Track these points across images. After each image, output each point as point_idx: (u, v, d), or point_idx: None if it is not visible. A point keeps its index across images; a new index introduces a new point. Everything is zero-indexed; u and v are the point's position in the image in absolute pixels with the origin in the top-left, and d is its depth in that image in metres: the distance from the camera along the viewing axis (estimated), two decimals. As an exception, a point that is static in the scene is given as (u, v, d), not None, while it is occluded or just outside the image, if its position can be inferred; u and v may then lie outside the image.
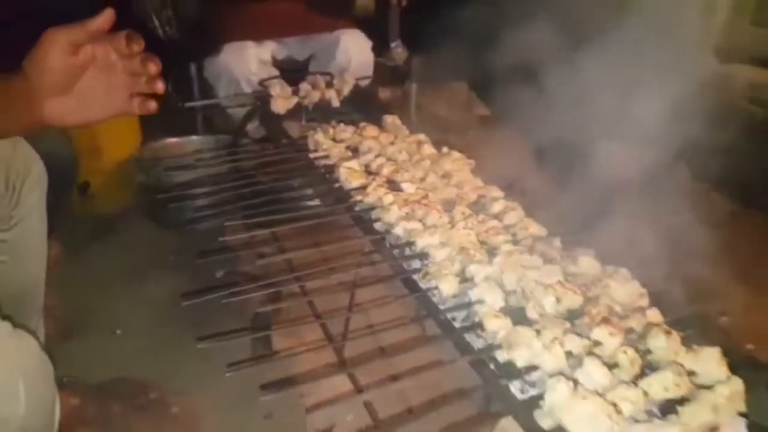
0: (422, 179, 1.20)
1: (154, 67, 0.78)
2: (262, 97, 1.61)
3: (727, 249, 2.09)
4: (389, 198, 1.09)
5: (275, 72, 1.84)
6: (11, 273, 0.93)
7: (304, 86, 1.64)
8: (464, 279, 0.89)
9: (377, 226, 1.05)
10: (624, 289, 0.85)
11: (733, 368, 0.74)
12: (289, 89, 1.61)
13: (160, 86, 0.80)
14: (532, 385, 0.71)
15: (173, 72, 1.95)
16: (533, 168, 1.74)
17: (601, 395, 0.66)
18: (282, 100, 1.57)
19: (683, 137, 2.45)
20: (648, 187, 2.37)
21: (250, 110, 1.68)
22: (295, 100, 1.60)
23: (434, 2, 1.87)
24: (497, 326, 0.78)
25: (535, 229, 1.03)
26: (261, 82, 1.67)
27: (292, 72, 1.89)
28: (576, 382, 0.68)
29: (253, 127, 1.88)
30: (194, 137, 1.92)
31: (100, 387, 1.18)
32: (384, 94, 2.35)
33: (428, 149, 1.34)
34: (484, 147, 2.05)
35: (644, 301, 0.85)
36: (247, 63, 1.78)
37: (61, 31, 0.72)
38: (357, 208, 1.11)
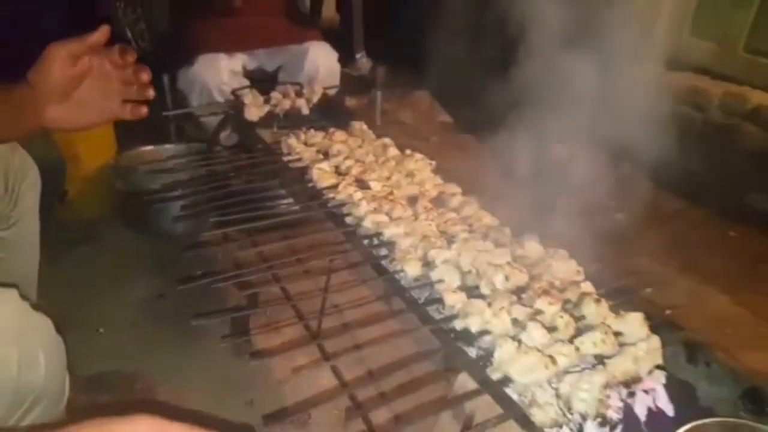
0: (388, 178, 1.31)
1: (145, 76, 0.88)
2: (234, 106, 1.70)
3: (671, 240, 2.28)
4: (358, 195, 1.20)
5: (246, 82, 1.93)
6: (8, 268, 1.00)
7: (275, 95, 1.74)
8: (426, 263, 1.01)
9: (348, 220, 1.16)
10: (563, 267, 0.98)
11: (654, 329, 0.87)
12: (260, 98, 1.71)
13: (150, 93, 0.90)
14: (485, 346, 0.83)
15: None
16: (490, 168, 1.88)
17: (540, 351, 0.78)
18: (255, 108, 1.67)
19: (632, 140, 2.63)
20: (598, 186, 2.54)
21: (224, 118, 1.77)
22: (267, 108, 1.70)
23: (397, 18, 1.99)
24: (454, 300, 0.90)
25: (489, 219, 1.15)
26: (233, 92, 1.76)
27: (263, 82, 1.99)
28: (520, 342, 0.80)
29: (225, 135, 1.96)
30: (169, 145, 1.99)
31: (88, 380, 1.25)
32: (351, 102, 2.46)
33: (393, 151, 1.46)
34: (445, 150, 2.20)
35: (580, 277, 0.98)
36: (219, 74, 1.87)
37: (63, 44, 0.82)
38: (329, 205, 1.22)
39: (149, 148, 2.00)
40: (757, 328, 1.77)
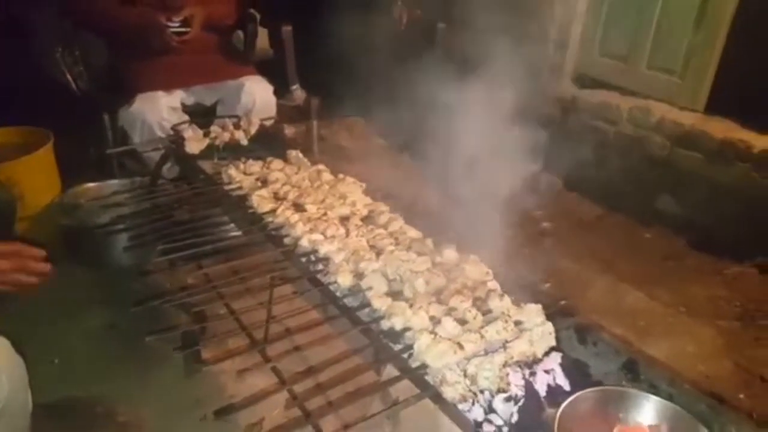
0: (322, 201, 1.43)
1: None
2: (175, 141, 1.79)
3: (592, 244, 2.48)
4: (295, 217, 1.31)
5: (186, 117, 2.02)
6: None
7: (215, 128, 1.83)
8: (357, 274, 1.13)
9: (286, 240, 1.27)
10: (474, 269, 1.11)
11: (549, 317, 1.01)
12: (200, 132, 1.81)
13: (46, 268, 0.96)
14: (407, 342, 0.95)
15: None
16: (422, 185, 2.02)
17: (451, 340, 0.91)
18: (195, 142, 1.76)
19: (552, 153, 2.86)
20: (522, 197, 2.73)
21: (165, 152, 1.85)
22: (207, 141, 1.79)
23: (328, 48, 2.13)
24: (381, 304, 1.02)
25: (413, 233, 1.29)
26: (174, 127, 1.85)
27: (202, 116, 2.09)
28: (436, 334, 0.93)
29: (167, 169, 2.03)
30: (112, 181, 2.05)
31: (49, 407, 1.30)
32: (289, 130, 2.58)
33: (327, 176, 1.58)
34: (381, 170, 2.33)
35: (489, 278, 1.12)
36: (159, 111, 1.95)
37: None
38: (269, 228, 1.33)
39: (93, 184, 2.05)
40: (666, 318, 1.96)
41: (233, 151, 1.83)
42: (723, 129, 2.38)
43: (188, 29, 1.99)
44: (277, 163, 1.64)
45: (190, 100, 2.12)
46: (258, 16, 2.29)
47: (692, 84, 2.50)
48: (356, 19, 2.12)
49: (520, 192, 2.65)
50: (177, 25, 1.98)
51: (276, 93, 2.21)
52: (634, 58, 2.67)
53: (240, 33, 2.38)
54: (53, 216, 1.92)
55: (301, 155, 1.71)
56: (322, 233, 1.26)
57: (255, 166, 1.63)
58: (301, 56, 2.18)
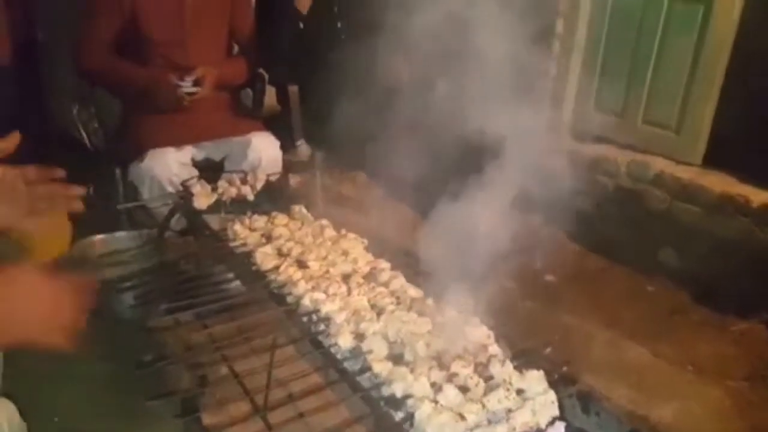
0: (325, 257, 1.46)
1: (75, 191, 0.98)
2: (184, 196, 1.83)
3: (595, 297, 2.48)
4: (298, 275, 1.34)
5: (195, 172, 2.08)
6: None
7: (222, 183, 1.88)
8: (358, 335, 1.14)
9: (289, 299, 1.29)
10: (475, 332, 1.13)
11: (551, 384, 1.02)
12: (208, 187, 1.85)
13: (79, 206, 1.00)
14: (409, 410, 0.96)
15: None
16: (424, 237, 2.05)
17: (452, 410, 0.92)
18: (203, 198, 1.81)
19: (555, 206, 2.88)
20: (529, 252, 2.76)
21: (173, 207, 1.89)
22: (214, 196, 1.84)
23: (332, 105, 2.19)
24: (382, 368, 1.03)
25: (414, 292, 1.31)
26: (183, 183, 1.89)
27: (210, 171, 2.14)
28: (437, 402, 0.94)
29: (174, 220, 2.08)
30: (121, 233, 2.08)
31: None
32: (294, 179, 2.63)
33: (329, 232, 1.61)
34: (384, 221, 2.37)
35: (491, 341, 1.13)
36: (168, 167, 2.00)
37: None
38: (272, 286, 1.35)
39: (102, 236, 2.08)
40: (672, 377, 1.94)
41: (239, 206, 1.87)
42: (721, 183, 2.42)
43: (199, 89, 2.07)
44: (281, 218, 1.68)
45: (199, 156, 2.18)
46: (266, 76, 2.38)
47: (688, 139, 2.55)
48: (358, 77, 2.19)
49: (523, 245, 2.68)
50: (189, 84, 2.06)
51: (282, 148, 2.27)
52: (629, 113, 2.74)
53: (249, 91, 2.47)
54: (61, 270, 1.94)
55: (304, 210, 1.75)
56: (324, 291, 1.28)
57: (260, 222, 1.67)
58: (306, 113, 2.25)
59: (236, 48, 2.41)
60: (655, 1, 2.55)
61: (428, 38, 2.19)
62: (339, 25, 2.36)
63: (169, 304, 1.39)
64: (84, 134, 2.09)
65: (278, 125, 2.45)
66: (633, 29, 2.64)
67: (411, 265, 1.53)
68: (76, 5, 2.41)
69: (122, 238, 2.09)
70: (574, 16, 2.78)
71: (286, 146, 2.34)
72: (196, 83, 2.08)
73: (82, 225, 2.19)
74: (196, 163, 2.16)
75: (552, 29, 2.83)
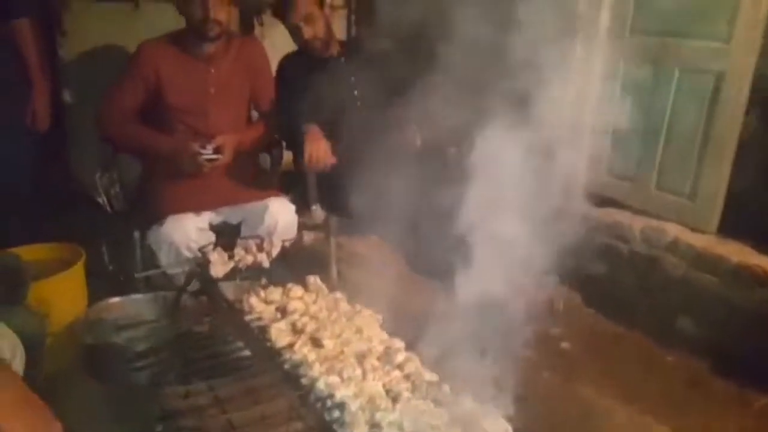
0: (339, 335, 1.46)
1: None
2: (201, 263, 1.85)
3: (612, 367, 2.43)
4: (313, 355, 1.34)
5: (212, 236, 2.11)
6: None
7: (238, 251, 1.91)
8: (374, 424, 1.13)
9: (303, 381, 1.29)
10: (493, 424, 1.11)
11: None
12: (225, 255, 1.88)
13: None
14: None
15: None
16: (436, 307, 2.05)
17: None
18: (219, 266, 1.83)
19: (566, 269, 2.89)
20: (540, 315, 2.73)
21: (190, 274, 1.91)
22: (231, 264, 1.86)
23: (346, 169, 2.23)
24: (397, 463, 1.02)
25: (429, 376, 1.30)
26: (200, 249, 1.92)
27: (227, 235, 2.17)
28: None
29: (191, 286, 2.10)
30: (137, 296, 2.10)
31: None
32: (309, 236, 2.65)
33: (344, 306, 1.62)
34: (398, 286, 2.37)
35: (508, 432, 1.11)
36: (187, 232, 2.04)
37: None
38: (286, 366, 1.35)
39: (118, 299, 2.10)
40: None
41: (255, 273, 1.89)
42: (737, 252, 2.40)
43: (220, 156, 2.13)
44: (296, 290, 1.69)
45: (217, 220, 2.22)
46: (284, 141, 2.44)
47: (703, 206, 2.55)
48: (371, 142, 2.24)
49: (539, 310, 2.66)
50: (209, 152, 2.11)
51: (297, 211, 2.30)
52: (642, 179, 2.75)
53: (266, 155, 2.53)
54: (76, 334, 1.96)
55: (319, 281, 1.76)
56: (339, 374, 1.28)
57: (275, 294, 1.68)
58: (321, 177, 2.29)
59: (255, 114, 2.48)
60: (665, 70, 2.60)
61: (443, 105, 2.25)
62: (355, 92, 2.43)
63: (185, 385, 1.39)
64: (105, 198, 2.14)
65: (294, 187, 2.49)
66: (644, 96, 2.68)
67: (424, 332, 1.52)
68: (103, 70, 2.52)
69: (138, 301, 2.10)
70: (586, 83, 2.83)
71: (301, 209, 2.37)
72: (216, 151, 2.14)
73: (98, 286, 2.23)
74: (213, 227, 2.19)
75: (565, 95, 2.87)
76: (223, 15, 2.15)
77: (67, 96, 2.73)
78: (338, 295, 1.68)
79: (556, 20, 2.77)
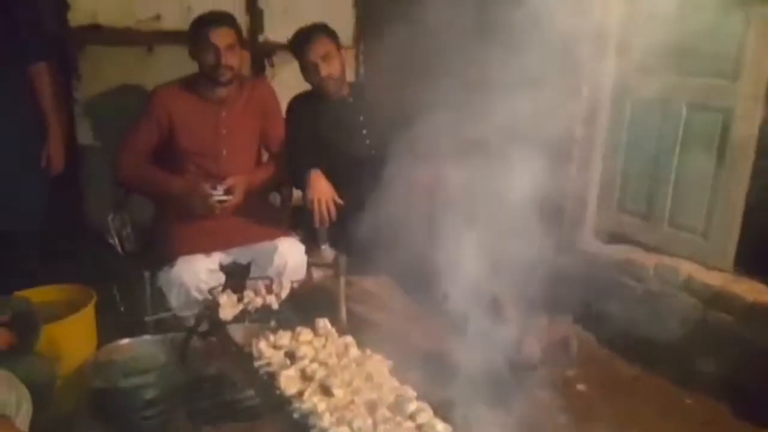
0: (349, 383, 1.44)
1: None
2: (210, 306, 1.85)
3: (629, 409, 2.38)
4: (322, 405, 1.33)
5: (222, 277, 2.12)
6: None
7: (248, 293, 1.91)
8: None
9: (313, 431, 1.27)
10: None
11: None
12: (234, 297, 1.88)
13: None
14: None
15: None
16: (446, 345, 2.02)
17: None
18: (229, 308, 1.83)
19: (580, 308, 2.85)
20: (558, 359, 2.69)
21: (199, 316, 1.91)
22: (240, 306, 1.86)
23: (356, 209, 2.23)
24: None
25: (442, 427, 1.27)
26: (210, 290, 1.92)
27: (237, 276, 2.18)
28: None
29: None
30: (146, 338, 2.09)
31: None
32: (318, 273, 2.64)
33: (354, 351, 1.60)
34: (407, 323, 2.35)
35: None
36: (197, 274, 2.05)
37: None
38: (296, 415, 1.33)
39: (127, 341, 2.09)
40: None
41: (264, 315, 1.89)
42: (754, 291, 2.36)
43: (230, 197, 2.14)
44: (305, 334, 1.68)
45: (227, 260, 2.23)
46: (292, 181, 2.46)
47: (717, 244, 2.52)
48: (384, 184, 2.24)
49: (554, 351, 2.62)
50: (220, 193, 2.13)
51: (306, 251, 2.30)
52: (654, 216, 2.72)
53: (276, 194, 2.55)
54: (86, 377, 1.95)
55: (328, 324, 1.76)
56: (349, 424, 1.26)
57: (284, 338, 1.67)
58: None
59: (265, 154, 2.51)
60: (673, 109, 2.59)
61: (455, 149, 2.26)
62: (364, 131, 2.44)
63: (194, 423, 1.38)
64: (116, 240, 2.15)
65: (303, 223, 2.49)
66: (653, 133, 2.68)
67: (435, 372, 1.50)
68: (117, 112, 2.57)
69: (148, 342, 2.09)
70: (592, 122, 2.85)
71: (311, 248, 2.37)
72: (227, 192, 2.16)
73: (108, 327, 2.22)
74: (223, 268, 2.19)
75: (572, 135, 2.89)
76: (235, 60, 2.20)
77: (81, 137, 2.77)
78: (348, 339, 1.67)
79: (564, 56, 2.81)
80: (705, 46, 2.43)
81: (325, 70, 2.26)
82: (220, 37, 2.15)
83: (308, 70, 2.30)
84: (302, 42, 2.28)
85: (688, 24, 2.49)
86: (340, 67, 2.33)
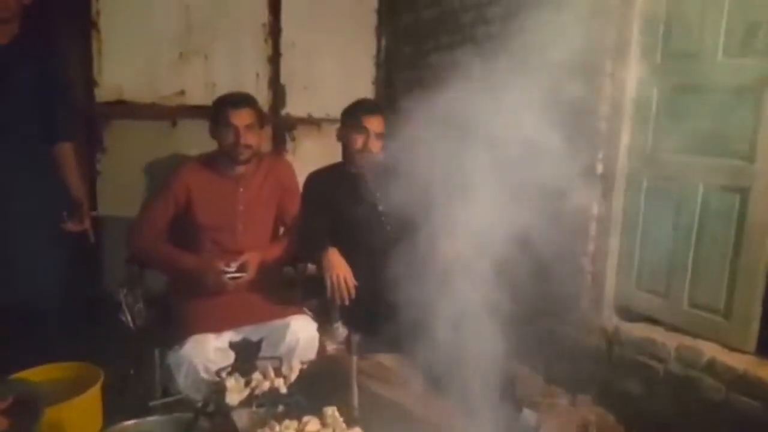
0: (356, 484, 1.39)
1: None
2: (217, 390, 1.83)
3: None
4: None
5: (232, 356, 2.10)
6: None
7: (256, 376, 1.88)
8: None
9: None
10: None
11: None
12: (242, 381, 1.85)
13: None
14: None
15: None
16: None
17: None
18: (236, 393, 1.80)
19: (599, 385, 2.76)
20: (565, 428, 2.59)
21: (205, 400, 1.87)
22: (247, 391, 1.83)
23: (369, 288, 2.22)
24: None
25: None
26: (218, 372, 1.90)
27: (247, 354, 2.16)
28: None
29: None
30: (152, 418, 2.05)
31: None
32: (331, 347, 2.60)
33: (362, 446, 1.55)
34: (420, 411, 2.28)
35: None
36: (206, 353, 2.03)
37: None
38: None
39: (133, 422, 2.06)
40: None
41: (271, 399, 1.85)
42: (778, 376, 2.27)
43: (243, 274, 2.15)
44: (313, 424, 1.64)
45: (237, 338, 2.21)
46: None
47: (739, 325, 2.44)
48: (398, 260, 2.23)
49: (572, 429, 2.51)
50: (233, 270, 2.15)
51: (319, 329, 2.28)
52: (674, 295, 2.66)
53: (291, 268, 2.55)
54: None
55: (336, 414, 1.71)
56: None
57: (290, 429, 1.62)
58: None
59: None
60: (690, 187, 2.58)
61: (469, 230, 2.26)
62: (380, 208, 2.46)
63: None
64: (129, 317, 2.16)
65: (317, 294, 2.48)
66: (670, 211, 2.65)
67: None
68: (139, 185, 2.63)
69: (154, 423, 2.06)
70: (609, 199, 2.84)
71: (323, 324, 2.35)
72: (240, 268, 2.17)
73: (114, 405, 2.20)
74: (233, 346, 2.18)
75: (587, 209, 2.88)
76: (254, 140, 2.26)
77: (102, 209, 2.84)
78: (357, 431, 1.62)
79: (579, 132, 2.84)
80: (719, 128, 2.44)
81: (375, 147, 2.30)
82: (240, 118, 2.22)
83: (351, 133, 2.34)
84: (360, 112, 2.33)
85: (702, 104, 2.52)
86: (380, 146, 2.37)
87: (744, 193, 2.39)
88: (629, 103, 2.76)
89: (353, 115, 2.37)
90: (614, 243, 2.86)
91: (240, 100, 2.26)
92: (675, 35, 2.61)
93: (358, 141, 2.33)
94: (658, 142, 2.71)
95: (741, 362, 2.38)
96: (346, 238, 2.28)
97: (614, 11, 2.72)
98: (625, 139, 2.79)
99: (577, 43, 2.88)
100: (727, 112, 2.40)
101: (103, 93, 2.91)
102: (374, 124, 2.33)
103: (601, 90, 2.80)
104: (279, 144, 3.45)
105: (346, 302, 2.17)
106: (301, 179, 2.54)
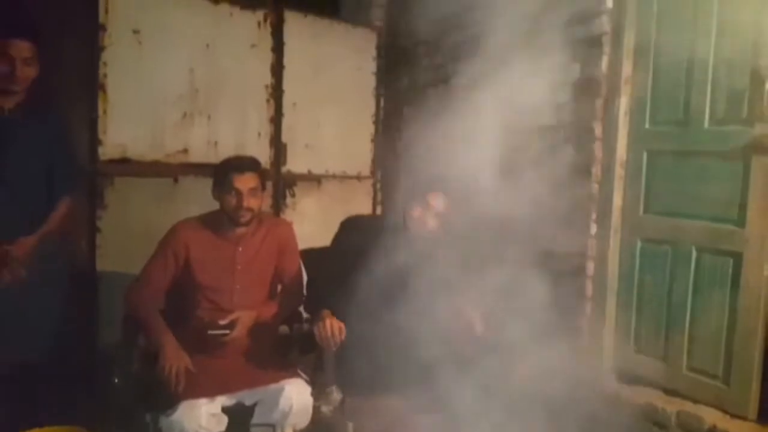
0: None
1: None
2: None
3: None
4: None
5: (225, 421, 2.07)
6: None
7: (248, 444, 1.85)
8: None
9: None
10: None
11: None
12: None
13: None
14: None
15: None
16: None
17: None
18: (227, 465, 1.77)
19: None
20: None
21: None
22: (238, 461, 1.79)
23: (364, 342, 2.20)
24: None
25: None
26: (209, 440, 1.87)
27: (240, 417, 2.13)
28: None
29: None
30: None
31: None
32: (327, 408, 2.55)
33: None
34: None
35: None
36: (198, 419, 1.99)
37: None
38: None
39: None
40: None
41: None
42: (781, 444, 2.23)
43: (228, 331, 2.15)
44: (306, 494, 1.60)
45: (231, 402, 2.18)
46: (306, 315, 2.46)
47: (739, 391, 2.42)
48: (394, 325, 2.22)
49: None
50: (221, 331, 2.15)
51: (312, 394, 2.25)
52: (672, 359, 2.65)
53: (286, 327, 2.54)
54: None
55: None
56: None
57: (281, 501, 1.59)
58: (339, 357, 2.27)
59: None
60: (683, 251, 2.61)
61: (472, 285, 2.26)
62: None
63: None
64: (122, 378, 2.14)
65: (312, 351, 2.45)
66: (665, 273, 2.67)
67: None
68: (139, 242, 2.64)
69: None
70: (603, 259, 2.86)
71: (319, 387, 2.32)
72: (229, 325, 2.17)
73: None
74: (226, 410, 2.14)
75: (582, 270, 2.90)
76: (256, 203, 2.28)
77: (100, 264, 2.85)
78: (348, 503, 1.59)
79: (573, 199, 2.88)
80: (709, 192, 2.49)
81: (430, 222, 2.24)
82: (244, 182, 2.25)
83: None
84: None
85: (691, 169, 2.58)
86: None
87: (737, 257, 2.41)
88: (620, 166, 2.82)
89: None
90: (611, 304, 2.86)
91: (244, 165, 2.29)
92: (662, 103, 2.69)
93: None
94: (649, 205, 2.75)
95: (742, 429, 2.34)
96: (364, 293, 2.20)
97: (603, 79, 2.82)
98: (617, 201, 2.83)
99: (567, 109, 2.98)
100: (716, 177, 2.45)
101: (107, 151, 2.96)
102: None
103: (592, 153, 2.86)
104: (279, 200, 3.49)
105: (334, 348, 2.07)
106: (299, 233, 2.54)
